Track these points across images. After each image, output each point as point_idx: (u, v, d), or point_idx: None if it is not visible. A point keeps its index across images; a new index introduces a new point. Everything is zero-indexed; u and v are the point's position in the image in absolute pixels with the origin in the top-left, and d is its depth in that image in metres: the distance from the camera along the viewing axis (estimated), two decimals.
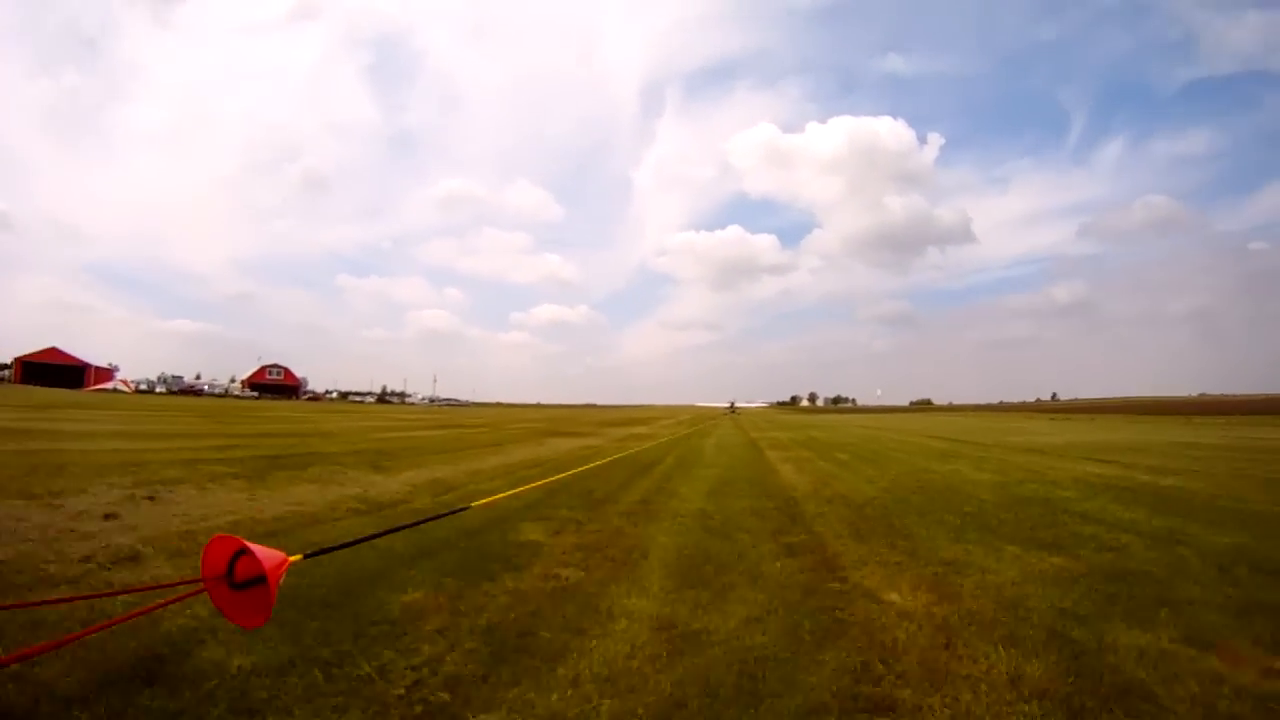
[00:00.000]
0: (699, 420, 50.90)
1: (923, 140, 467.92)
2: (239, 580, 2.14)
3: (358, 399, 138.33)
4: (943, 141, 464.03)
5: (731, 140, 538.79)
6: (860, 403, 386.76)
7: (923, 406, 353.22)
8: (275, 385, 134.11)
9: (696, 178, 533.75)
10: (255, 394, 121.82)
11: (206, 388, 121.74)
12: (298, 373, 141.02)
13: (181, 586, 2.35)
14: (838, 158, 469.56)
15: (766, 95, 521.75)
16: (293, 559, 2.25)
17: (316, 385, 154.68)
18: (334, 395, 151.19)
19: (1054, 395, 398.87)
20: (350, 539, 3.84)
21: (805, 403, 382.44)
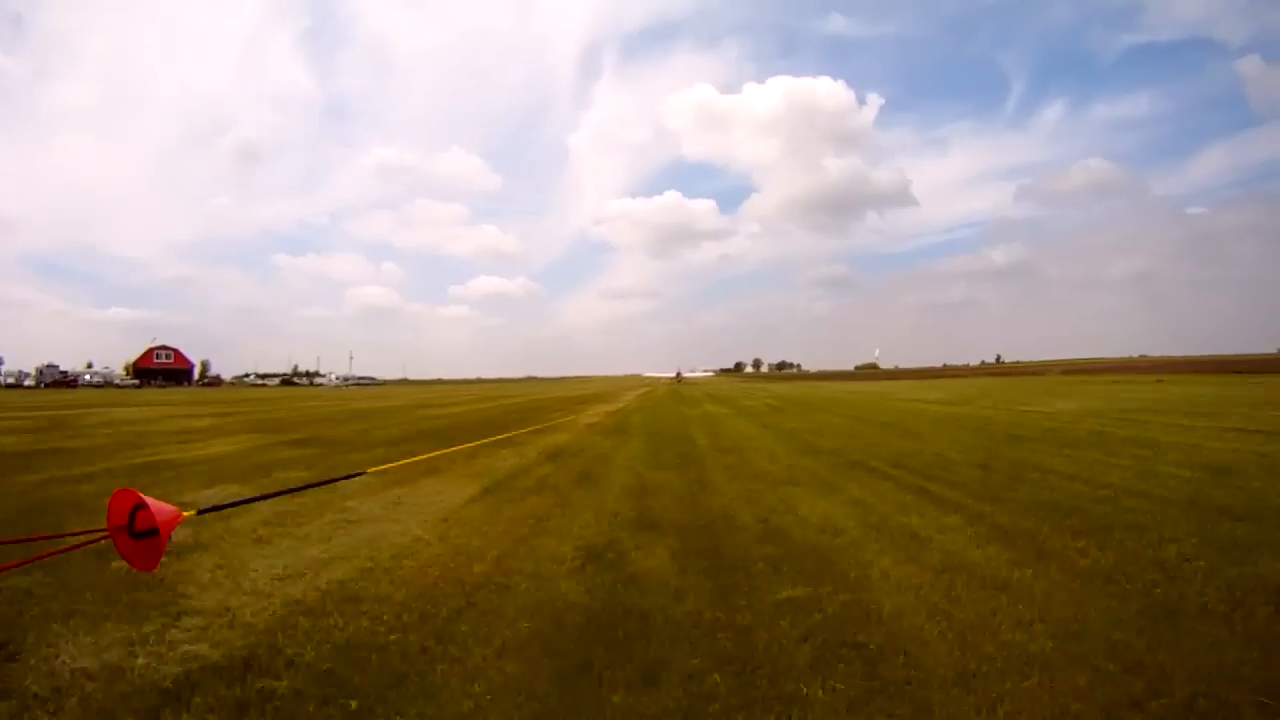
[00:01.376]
0: (650, 399, 42.45)
1: (862, 101, 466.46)
2: (138, 530, 2.33)
3: (259, 382, 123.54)
4: (882, 102, 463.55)
5: (668, 102, 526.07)
6: (805, 368, 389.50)
7: (868, 371, 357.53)
8: (165, 370, 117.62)
9: (634, 141, 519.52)
10: (136, 382, 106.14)
11: (88, 377, 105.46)
12: (190, 355, 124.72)
13: (94, 532, 2.42)
14: (775, 118, 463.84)
15: (706, 57, 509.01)
16: (186, 514, 2.49)
17: (255, 367, 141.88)
18: (251, 378, 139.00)
19: (998, 358, 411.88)
20: None
21: (749, 369, 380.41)
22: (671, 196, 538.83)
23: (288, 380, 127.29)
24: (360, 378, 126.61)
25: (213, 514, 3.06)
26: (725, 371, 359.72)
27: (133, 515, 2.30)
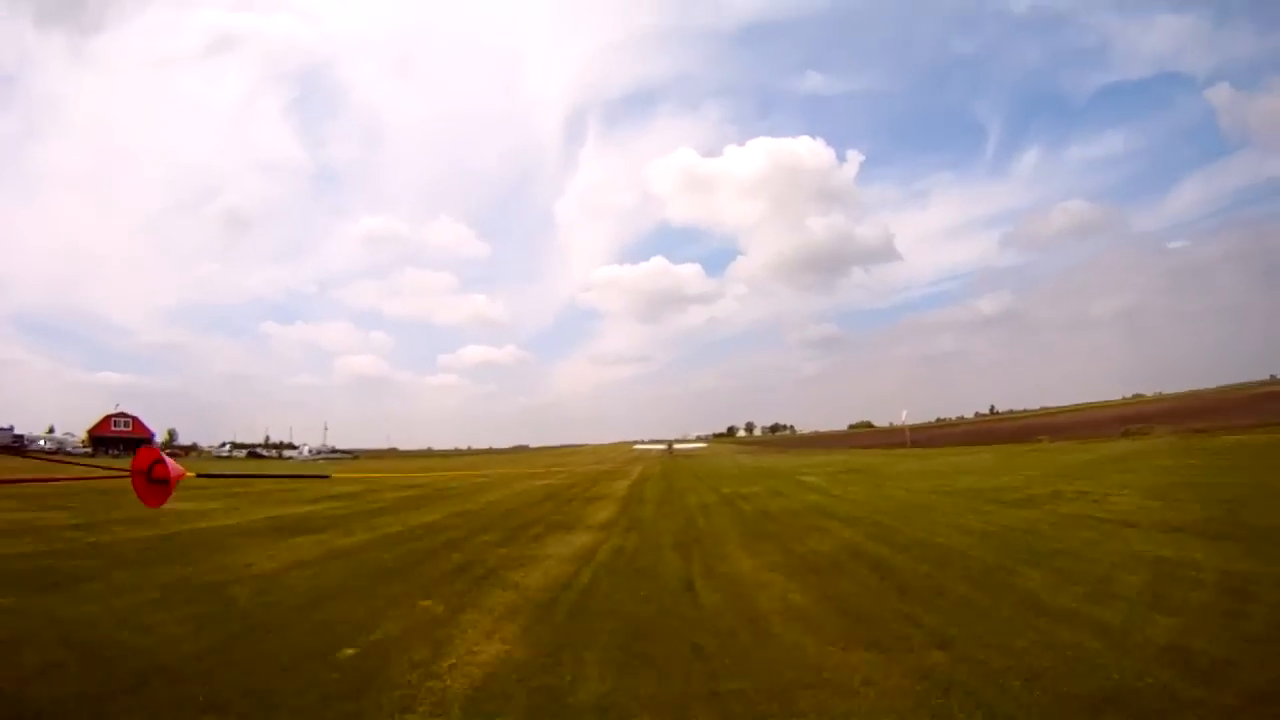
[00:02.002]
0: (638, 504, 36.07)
1: (842, 158, 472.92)
2: (154, 477, 3.56)
3: (226, 454, 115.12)
4: (862, 159, 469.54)
5: (652, 166, 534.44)
6: (797, 429, 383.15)
7: (862, 428, 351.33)
8: (123, 438, 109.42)
9: (620, 206, 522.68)
10: (89, 451, 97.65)
11: (42, 442, 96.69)
12: (149, 423, 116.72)
13: (121, 471, 3.71)
14: (758, 180, 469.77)
15: (686, 119, 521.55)
16: (189, 474, 3.87)
17: (243, 435, 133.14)
18: (226, 448, 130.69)
19: (991, 409, 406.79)
20: None
21: (743, 433, 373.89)
22: (658, 262, 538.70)
23: (254, 452, 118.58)
24: (335, 449, 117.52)
25: None
26: (718, 436, 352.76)
27: (151, 466, 3.55)
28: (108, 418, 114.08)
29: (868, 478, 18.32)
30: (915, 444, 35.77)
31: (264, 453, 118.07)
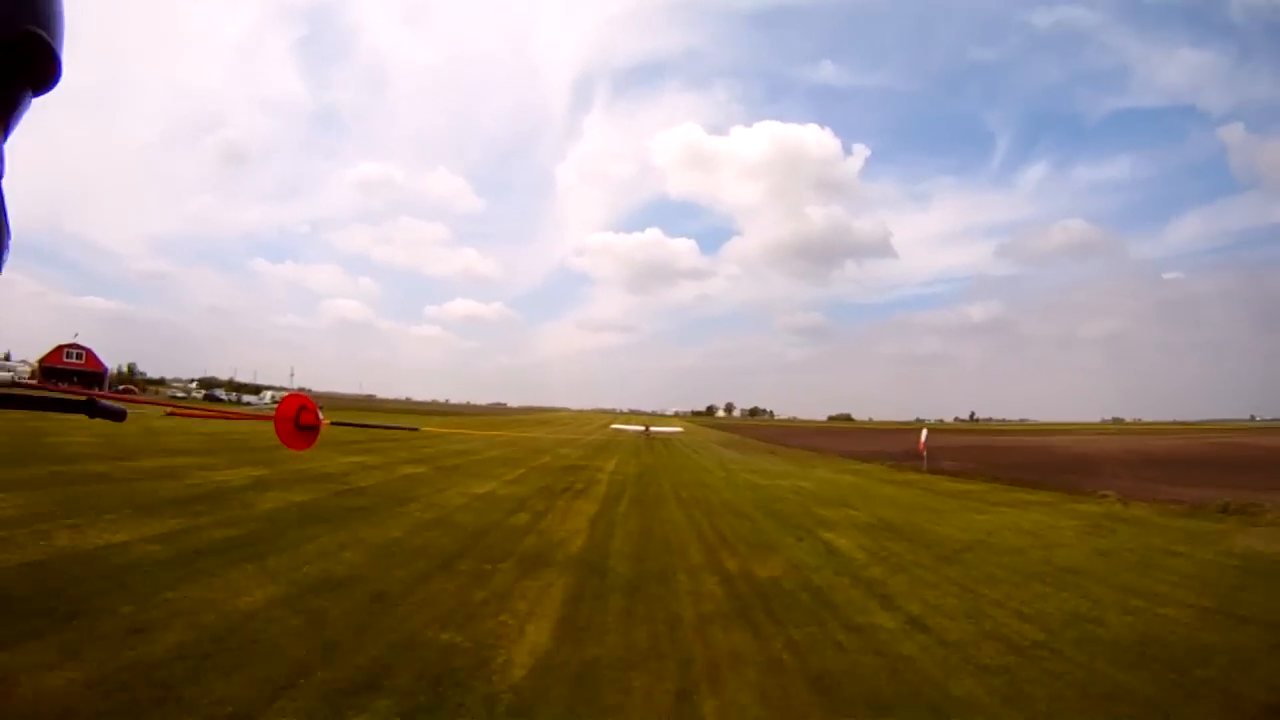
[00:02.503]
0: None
1: (848, 151, 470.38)
2: (301, 424, 3.69)
3: (181, 394, 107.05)
4: (868, 153, 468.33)
5: (655, 138, 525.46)
6: (778, 415, 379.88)
7: (841, 421, 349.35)
8: (76, 371, 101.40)
9: (619, 175, 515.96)
10: (34, 384, 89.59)
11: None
12: (157, 351, 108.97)
13: (267, 417, 3.85)
14: (761, 162, 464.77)
15: (694, 96, 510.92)
16: (326, 422, 3.89)
17: (223, 372, 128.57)
18: (193, 386, 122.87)
19: (972, 414, 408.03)
20: None
21: (722, 413, 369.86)
22: (653, 233, 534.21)
23: (212, 395, 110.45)
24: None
25: None
26: (697, 414, 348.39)
27: (299, 413, 3.68)
28: (60, 348, 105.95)
29: (932, 559, 12.35)
30: (934, 470, 30.06)
31: (223, 395, 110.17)
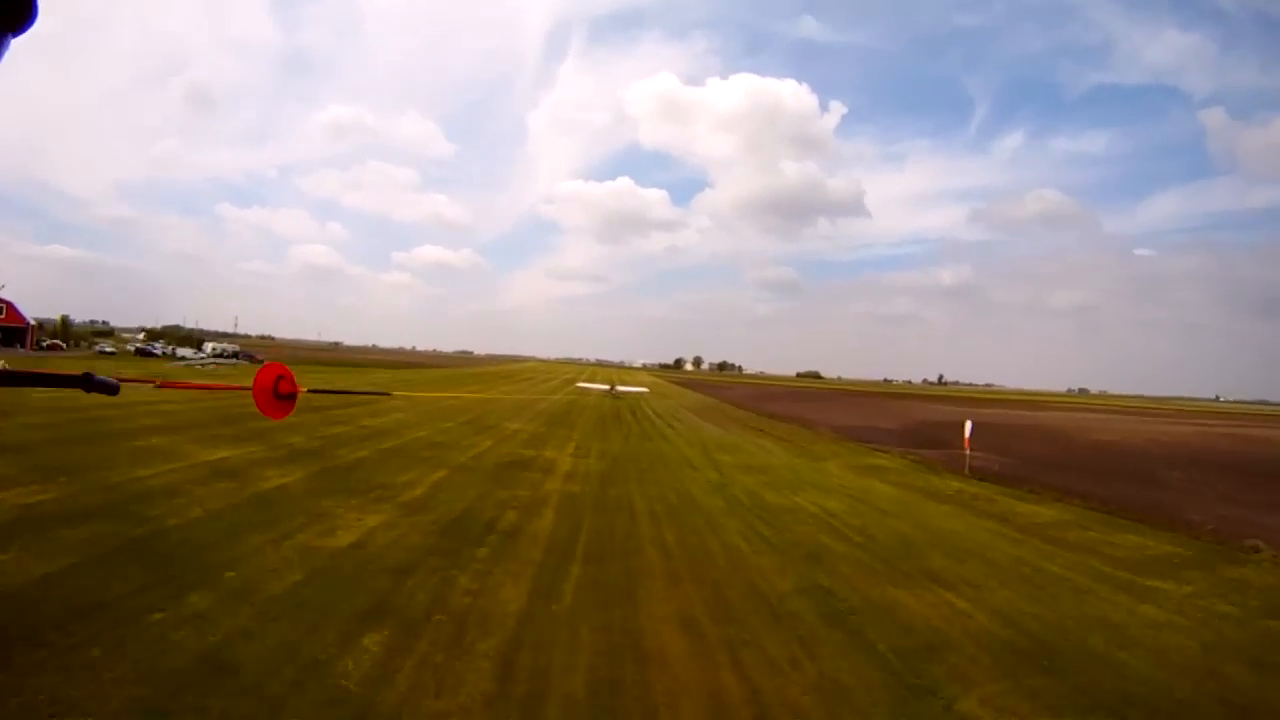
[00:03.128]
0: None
1: (825, 108, 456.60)
2: (280, 393, 3.77)
3: (111, 350, 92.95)
4: (845, 111, 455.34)
5: (630, 88, 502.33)
6: (745, 370, 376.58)
7: (810, 378, 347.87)
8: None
9: (591, 124, 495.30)
10: None
11: None
12: (126, 298, 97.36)
13: (245, 388, 3.85)
14: (737, 115, 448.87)
15: (672, 48, 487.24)
16: (303, 390, 3.94)
17: (185, 320, 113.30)
18: (140, 338, 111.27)
19: (940, 377, 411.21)
20: None
21: (690, 366, 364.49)
22: (624, 183, 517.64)
23: (144, 350, 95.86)
24: (235, 352, 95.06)
25: None
26: (665, 367, 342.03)
27: (277, 382, 3.74)
28: None
29: None
30: (980, 475, 23.67)
31: (158, 350, 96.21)
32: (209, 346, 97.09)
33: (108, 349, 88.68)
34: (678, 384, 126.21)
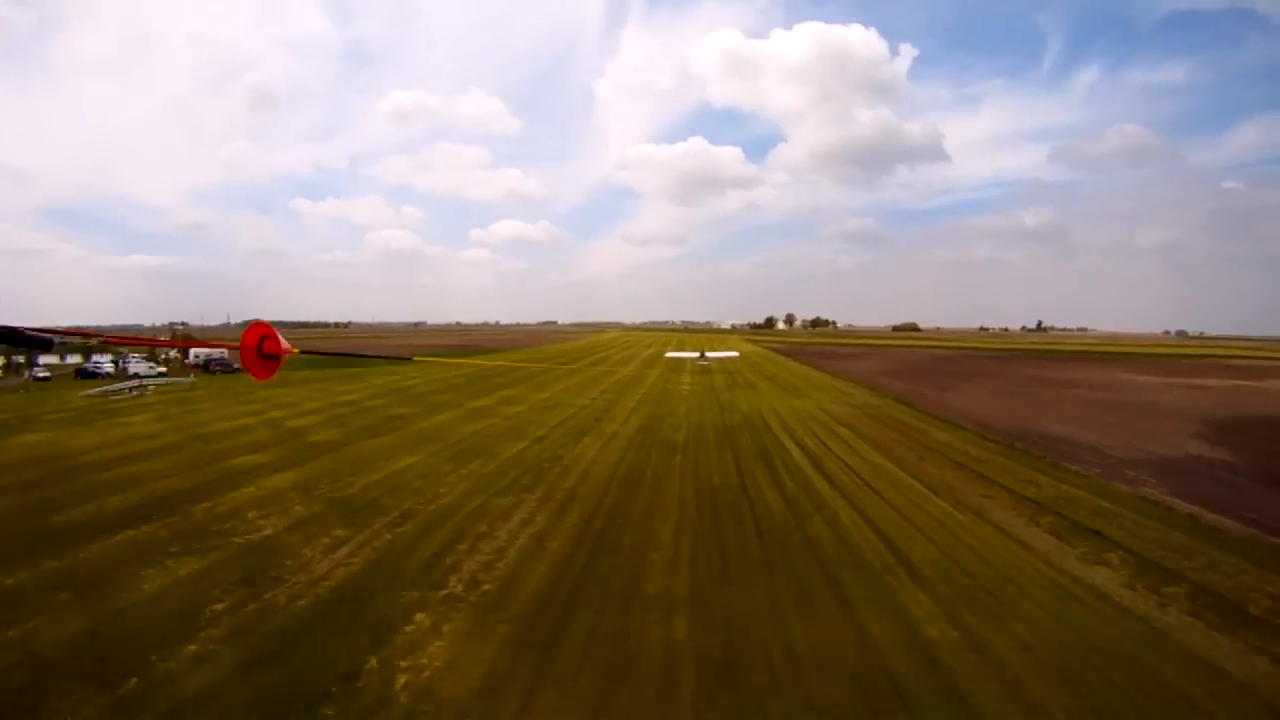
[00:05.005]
0: None
1: (895, 52, 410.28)
2: (264, 353, 3.59)
3: (44, 376, 59.48)
4: (916, 53, 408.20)
5: (693, 46, 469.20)
6: (841, 324, 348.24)
7: (908, 330, 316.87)
8: None
9: (658, 86, 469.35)
10: None
11: None
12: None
13: (233, 345, 4.78)
14: (805, 65, 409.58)
15: (733, 4, 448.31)
16: (294, 350, 3.78)
17: (268, 313, 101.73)
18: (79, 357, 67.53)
19: (1039, 324, 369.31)
20: None
21: (782, 325, 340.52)
22: (696, 143, 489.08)
23: (88, 371, 61.93)
24: (219, 359, 65.70)
25: None
26: (756, 328, 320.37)
27: (261, 341, 3.56)
28: None
29: None
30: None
31: (104, 369, 62.50)
32: (197, 353, 66.68)
33: (42, 374, 60.21)
34: (777, 351, 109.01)
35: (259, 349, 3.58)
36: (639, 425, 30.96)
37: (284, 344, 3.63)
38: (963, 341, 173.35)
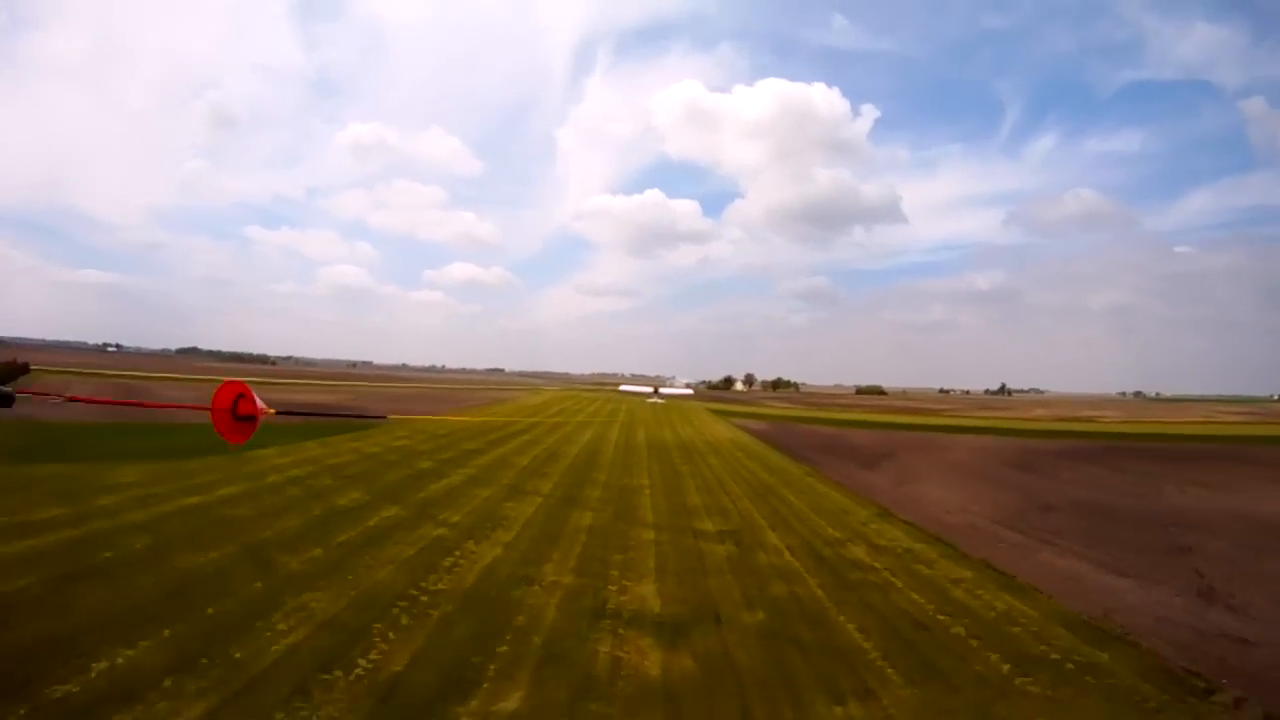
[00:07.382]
0: None
1: (857, 112, 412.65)
2: (239, 414, 3.31)
3: None
4: (877, 114, 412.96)
5: (654, 96, 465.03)
6: (804, 387, 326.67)
7: (873, 393, 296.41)
8: None
9: (619, 136, 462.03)
10: None
11: None
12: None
13: (202, 408, 3.22)
14: (766, 122, 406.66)
15: (699, 60, 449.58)
16: (271, 411, 3.37)
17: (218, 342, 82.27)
18: None
19: (1003, 386, 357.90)
20: None
21: (740, 385, 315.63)
22: (654, 195, 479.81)
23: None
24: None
25: None
26: (713, 387, 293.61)
27: (235, 402, 3.28)
28: None
29: None
30: None
31: None
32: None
33: None
34: (762, 436, 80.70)
35: (233, 410, 3.47)
36: None
37: (259, 404, 3.54)
38: (913, 402, 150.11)
